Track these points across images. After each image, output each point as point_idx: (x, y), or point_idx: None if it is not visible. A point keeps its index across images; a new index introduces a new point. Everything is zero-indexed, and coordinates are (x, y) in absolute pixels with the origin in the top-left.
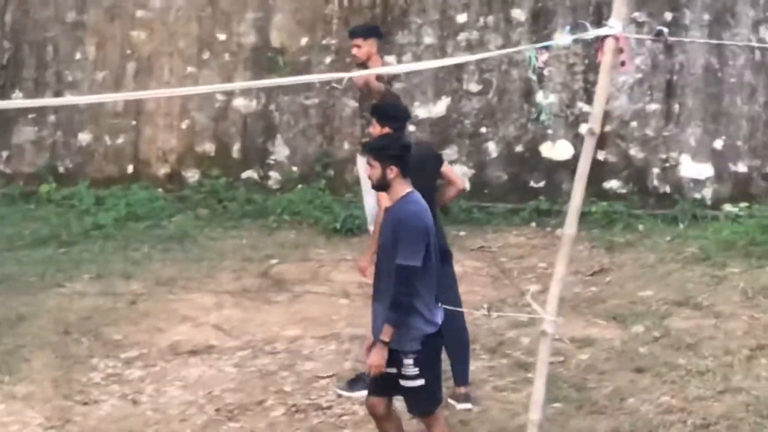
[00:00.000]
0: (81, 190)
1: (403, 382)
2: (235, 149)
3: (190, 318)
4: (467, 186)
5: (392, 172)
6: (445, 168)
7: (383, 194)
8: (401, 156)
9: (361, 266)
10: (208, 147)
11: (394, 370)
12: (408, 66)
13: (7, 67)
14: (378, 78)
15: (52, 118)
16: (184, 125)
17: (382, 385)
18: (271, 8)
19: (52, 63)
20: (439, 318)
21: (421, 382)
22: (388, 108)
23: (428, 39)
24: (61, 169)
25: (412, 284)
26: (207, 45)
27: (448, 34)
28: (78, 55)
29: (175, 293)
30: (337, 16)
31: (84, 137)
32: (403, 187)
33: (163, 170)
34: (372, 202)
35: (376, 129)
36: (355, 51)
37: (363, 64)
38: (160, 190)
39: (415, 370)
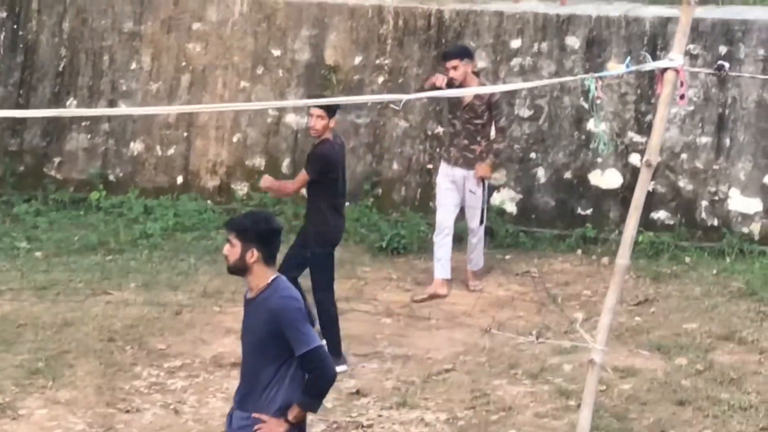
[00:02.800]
0: (130, 199)
1: None
2: (285, 164)
3: (234, 331)
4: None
5: (252, 256)
6: None
7: None
8: (268, 239)
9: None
10: (258, 161)
11: None
12: (498, 87)
13: (63, 74)
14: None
15: (105, 126)
16: (235, 138)
17: None
18: (327, 26)
19: (107, 72)
20: None
21: None
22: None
23: (481, 63)
24: (111, 178)
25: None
26: (261, 60)
27: (501, 58)
28: (133, 65)
29: (220, 305)
30: (392, 36)
31: (136, 146)
32: (267, 274)
33: (212, 182)
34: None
35: None
36: (452, 73)
37: (459, 86)
38: (208, 201)
39: None
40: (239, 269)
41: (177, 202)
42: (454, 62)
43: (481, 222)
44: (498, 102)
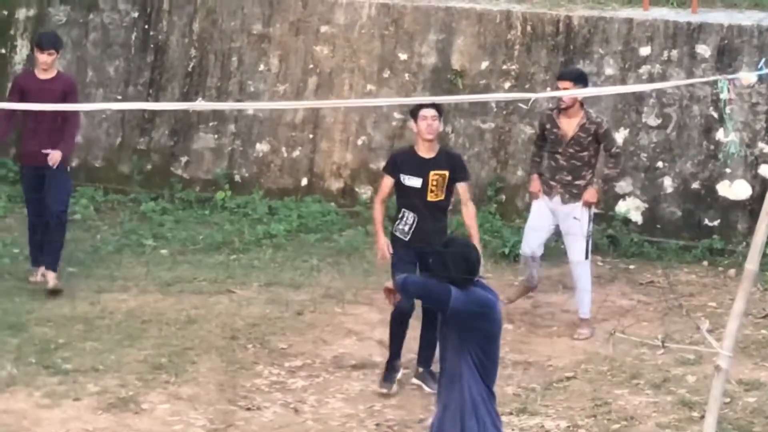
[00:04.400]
0: (255, 200)
1: None
2: None
3: (355, 332)
4: None
5: None
6: None
7: None
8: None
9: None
10: (383, 164)
11: None
12: (625, 88)
13: (192, 74)
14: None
15: (231, 127)
16: (360, 141)
17: None
18: (454, 30)
19: (235, 73)
20: None
21: None
22: None
23: (609, 70)
24: (237, 178)
25: None
26: (388, 63)
27: (629, 66)
28: (261, 67)
29: (341, 307)
30: (519, 42)
31: (261, 148)
32: None
33: (336, 185)
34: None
35: None
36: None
37: (567, 108)
38: (332, 204)
39: None
40: None
41: (301, 204)
42: (567, 84)
43: (586, 256)
44: (607, 131)
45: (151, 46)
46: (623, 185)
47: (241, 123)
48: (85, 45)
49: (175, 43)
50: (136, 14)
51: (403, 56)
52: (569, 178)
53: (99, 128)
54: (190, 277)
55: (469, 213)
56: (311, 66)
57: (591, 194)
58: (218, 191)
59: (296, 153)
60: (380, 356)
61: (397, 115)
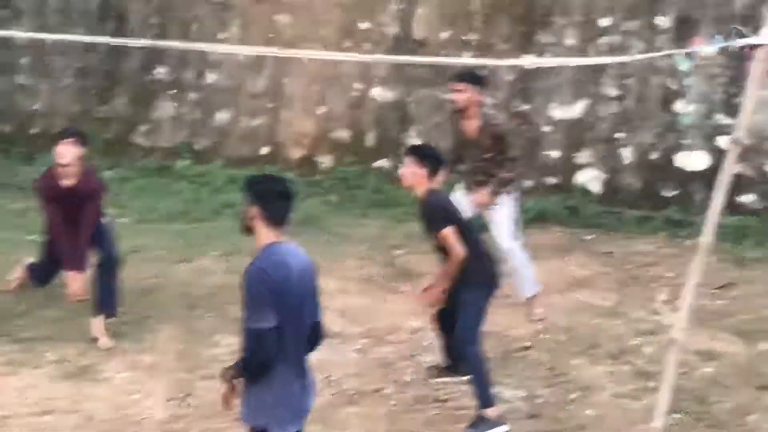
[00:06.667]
0: (215, 169)
1: None
2: (369, 138)
3: None
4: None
5: (252, 213)
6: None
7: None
8: (266, 197)
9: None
10: (343, 134)
11: None
12: (580, 60)
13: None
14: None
15: (192, 95)
16: (320, 111)
17: None
18: (415, 0)
19: (196, 40)
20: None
21: None
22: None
23: (570, 41)
24: (197, 147)
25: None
26: (349, 33)
27: (590, 36)
28: (222, 35)
29: None
30: (481, 12)
31: (222, 116)
32: (269, 236)
33: (297, 154)
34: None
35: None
36: (456, 95)
37: (462, 111)
38: (292, 173)
39: None
40: (246, 228)
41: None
42: (460, 86)
43: (513, 239)
44: (502, 135)
45: (112, 14)
46: (582, 156)
47: (201, 92)
48: (46, 13)
49: (135, 11)
50: None
51: (364, 25)
52: (480, 178)
53: (60, 94)
54: (150, 246)
55: None
56: (272, 35)
57: (481, 197)
58: (178, 160)
59: (257, 122)
60: (339, 326)
61: (357, 85)
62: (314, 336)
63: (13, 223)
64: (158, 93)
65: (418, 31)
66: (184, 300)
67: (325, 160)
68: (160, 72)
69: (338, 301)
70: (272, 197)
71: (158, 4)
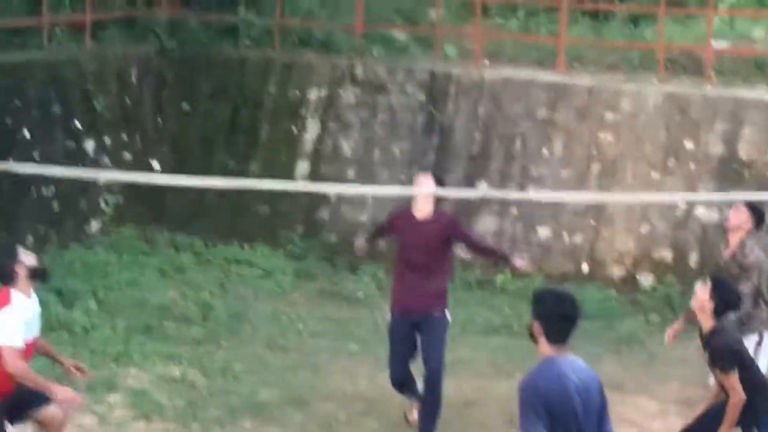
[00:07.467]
0: (536, 283)
1: None
2: (693, 259)
3: (634, 423)
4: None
5: (535, 327)
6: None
7: None
8: (548, 317)
9: None
10: (665, 253)
11: None
12: None
13: (476, 158)
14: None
15: (514, 210)
16: (643, 230)
17: None
18: (741, 120)
19: (519, 157)
20: None
21: None
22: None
23: None
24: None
25: None
26: (673, 152)
27: None
28: (545, 152)
29: (621, 396)
30: None
31: (543, 232)
32: (548, 351)
33: (617, 272)
34: None
35: None
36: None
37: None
38: (613, 291)
39: None
40: (531, 337)
41: (581, 290)
42: (742, 208)
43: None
44: (747, 266)
45: (437, 128)
46: None
47: (523, 207)
48: (373, 126)
49: (459, 127)
50: (423, 97)
51: (689, 145)
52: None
53: (387, 204)
54: (469, 360)
55: None
56: (594, 152)
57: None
58: (499, 274)
59: (577, 238)
60: None
61: (681, 204)
62: None
63: (335, 332)
64: (481, 207)
65: (744, 152)
66: (504, 415)
67: (647, 279)
68: (483, 186)
69: (657, 424)
70: (554, 317)
71: (484, 118)
